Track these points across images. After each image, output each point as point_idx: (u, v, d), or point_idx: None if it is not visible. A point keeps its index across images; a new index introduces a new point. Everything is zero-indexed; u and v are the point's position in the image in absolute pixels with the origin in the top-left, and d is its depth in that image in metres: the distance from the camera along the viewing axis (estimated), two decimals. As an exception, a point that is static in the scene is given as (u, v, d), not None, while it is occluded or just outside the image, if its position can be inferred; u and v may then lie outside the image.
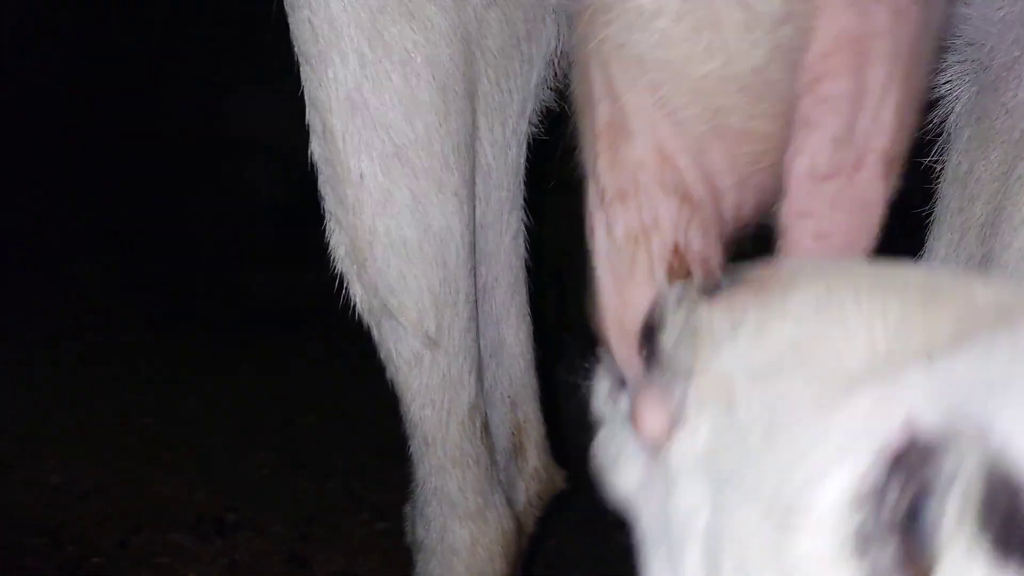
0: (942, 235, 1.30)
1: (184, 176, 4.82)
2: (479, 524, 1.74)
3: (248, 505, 3.12)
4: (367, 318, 1.61)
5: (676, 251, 1.03)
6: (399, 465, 1.86)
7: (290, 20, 1.43)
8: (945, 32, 1.23)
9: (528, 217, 1.82)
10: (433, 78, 1.41)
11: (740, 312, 0.81)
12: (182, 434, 3.45)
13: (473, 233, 1.61)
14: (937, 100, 1.34)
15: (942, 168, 1.34)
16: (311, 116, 1.48)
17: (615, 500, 0.94)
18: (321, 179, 1.52)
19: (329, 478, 3.34)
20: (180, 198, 4.81)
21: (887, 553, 0.64)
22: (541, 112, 1.74)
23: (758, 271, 0.85)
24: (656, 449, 0.84)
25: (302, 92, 1.49)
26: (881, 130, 1.06)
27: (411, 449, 1.74)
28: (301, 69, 1.44)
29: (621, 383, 0.98)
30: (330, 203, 1.52)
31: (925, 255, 1.34)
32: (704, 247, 1.05)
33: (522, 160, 1.73)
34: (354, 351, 1.77)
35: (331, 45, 1.37)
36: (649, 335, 0.90)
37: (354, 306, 1.62)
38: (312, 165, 1.52)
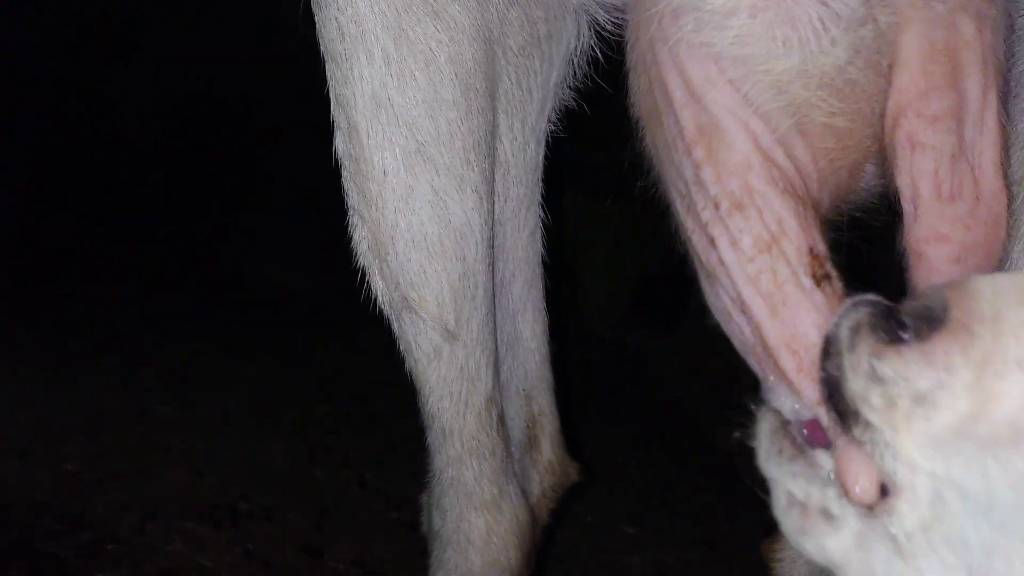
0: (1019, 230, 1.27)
1: (205, 169, 4.85)
2: (494, 514, 1.76)
3: (262, 494, 3.16)
4: (387, 311, 1.64)
5: (812, 254, 1.03)
6: (413, 456, 1.89)
7: (317, 19, 1.45)
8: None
9: (546, 214, 1.84)
10: (456, 76, 1.44)
11: (946, 364, 0.75)
12: (198, 424, 3.49)
13: (492, 229, 1.63)
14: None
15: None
16: (336, 113, 1.50)
17: (814, 560, 0.90)
18: (345, 175, 1.54)
19: (344, 469, 3.38)
20: (200, 191, 4.84)
21: None
22: (560, 111, 1.76)
23: (952, 303, 0.77)
24: (870, 511, 0.82)
25: (326, 88, 1.52)
26: (988, 139, 1.07)
27: (428, 440, 1.77)
28: (326, 67, 1.47)
29: (815, 433, 0.94)
30: (353, 198, 1.54)
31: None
32: (826, 246, 1.06)
33: (540, 157, 1.75)
34: (372, 344, 1.80)
35: (357, 43, 1.40)
36: (833, 384, 0.85)
37: (373, 299, 1.65)
38: (336, 160, 1.54)
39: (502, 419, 1.77)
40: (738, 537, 3.02)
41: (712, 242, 1.07)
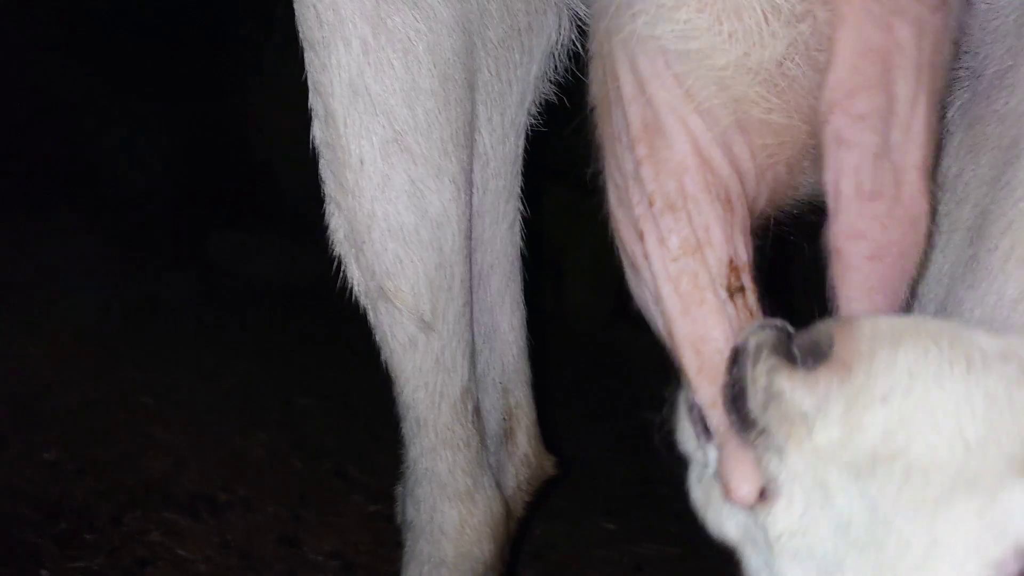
0: (931, 236, 1.32)
1: (190, 158, 4.84)
2: (468, 505, 1.77)
3: (242, 485, 3.15)
4: (363, 301, 1.64)
5: (731, 265, 1.06)
6: (394, 450, 1.89)
7: (295, 6, 1.46)
8: (960, 42, 1.25)
9: (525, 207, 1.84)
10: (434, 66, 1.44)
11: (824, 394, 0.82)
12: (178, 414, 3.47)
13: (470, 220, 1.64)
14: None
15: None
16: (314, 101, 1.50)
17: (715, 535, 0.97)
18: (322, 163, 1.55)
19: (323, 460, 3.38)
20: (185, 181, 4.84)
21: None
22: (540, 104, 1.76)
23: (837, 340, 0.84)
24: (752, 509, 0.87)
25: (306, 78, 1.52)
26: (915, 143, 1.09)
27: (403, 430, 1.77)
28: (305, 55, 1.47)
29: (705, 427, 0.99)
30: (330, 187, 1.55)
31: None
32: (748, 256, 1.08)
33: (520, 150, 1.75)
34: (354, 336, 1.80)
35: (335, 31, 1.40)
36: (737, 391, 0.90)
37: (351, 290, 1.65)
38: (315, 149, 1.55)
39: (477, 411, 1.77)
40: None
41: (641, 236, 1.10)
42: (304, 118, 1.57)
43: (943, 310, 1.21)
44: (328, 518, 3.09)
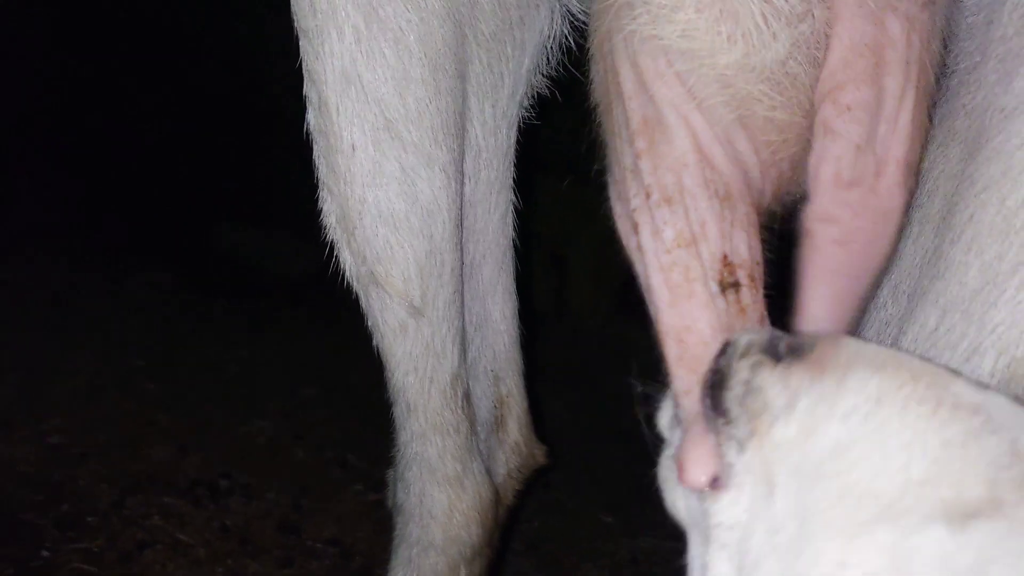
0: (903, 228, 1.35)
1: (196, 149, 4.87)
2: (457, 490, 1.80)
3: (243, 473, 3.19)
4: (356, 286, 1.67)
5: (725, 261, 1.08)
6: (393, 440, 1.91)
7: (290, -5, 1.49)
8: (949, 39, 1.27)
9: (518, 198, 1.87)
10: (425, 56, 1.47)
11: (795, 391, 0.83)
12: (181, 401, 3.51)
13: (460, 209, 1.66)
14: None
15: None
16: (308, 88, 1.53)
17: (669, 511, 0.99)
18: (316, 150, 1.58)
19: (325, 449, 3.41)
20: (191, 171, 4.87)
21: None
22: (533, 97, 1.79)
23: (820, 344, 0.86)
24: (702, 494, 0.89)
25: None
26: (900, 137, 1.12)
27: (394, 415, 1.80)
28: (300, 43, 1.50)
29: (675, 416, 1.01)
30: (323, 173, 1.58)
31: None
32: (749, 252, 1.10)
33: (512, 142, 1.78)
34: (356, 327, 1.83)
35: (328, 20, 1.43)
36: (717, 381, 0.92)
37: (346, 277, 1.68)
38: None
39: (468, 397, 1.80)
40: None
41: (635, 228, 1.12)
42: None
43: (912, 301, 1.23)
44: (328, 506, 3.12)
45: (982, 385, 0.83)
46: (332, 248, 1.67)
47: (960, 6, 1.28)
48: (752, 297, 1.08)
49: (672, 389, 1.05)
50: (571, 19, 1.66)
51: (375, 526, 2.96)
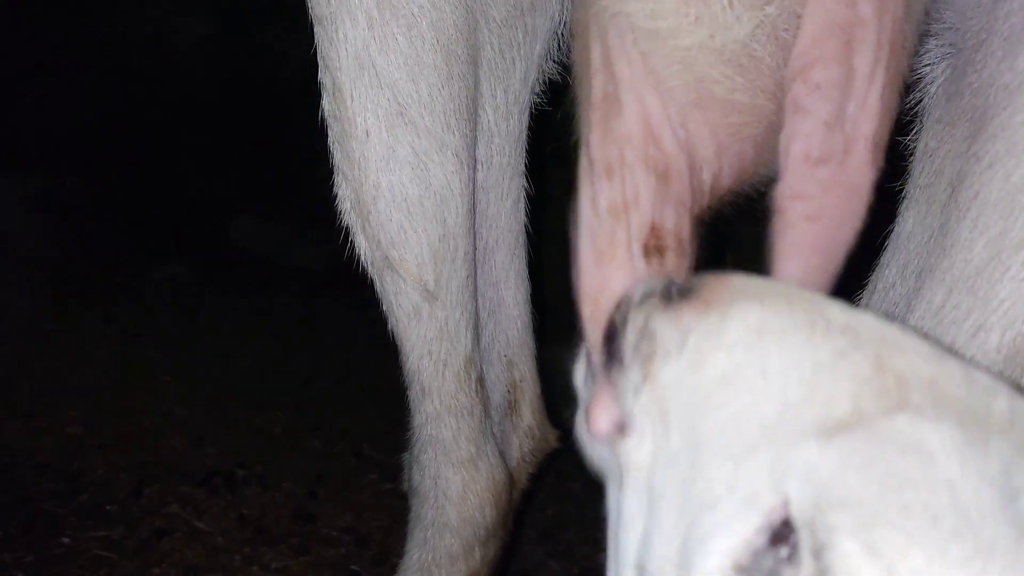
0: (910, 208, 1.36)
1: (212, 142, 4.90)
2: (471, 472, 1.81)
3: (259, 463, 3.22)
4: (370, 270, 1.69)
5: (653, 229, 1.10)
6: (408, 430, 1.93)
7: (305, -19, 1.51)
8: (927, 19, 1.29)
9: (530, 184, 1.89)
10: (437, 42, 1.49)
11: (684, 328, 0.86)
12: (198, 392, 3.55)
13: (473, 194, 1.68)
14: (915, 82, 1.41)
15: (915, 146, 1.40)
16: (322, 75, 1.55)
17: (586, 458, 1.01)
18: (330, 136, 1.60)
19: (340, 439, 3.44)
20: (207, 164, 4.90)
21: None
22: (545, 83, 1.81)
23: (706, 284, 0.89)
24: (613, 444, 0.91)
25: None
26: (868, 116, 1.13)
27: (409, 398, 1.82)
28: (314, 29, 1.52)
29: (591, 370, 1.03)
30: (338, 158, 1.59)
31: (895, 228, 1.41)
32: (677, 226, 1.13)
33: (524, 127, 1.80)
34: (371, 319, 1.85)
35: (341, 6, 1.45)
36: (613, 331, 0.94)
37: (361, 262, 1.70)
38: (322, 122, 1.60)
39: (481, 381, 1.82)
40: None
41: (577, 197, 1.14)
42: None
43: (919, 279, 1.25)
44: (343, 495, 3.15)
45: (855, 309, 0.85)
46: (346, 238, 1.69)
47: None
48: (675, 263, 1.09)
49: (585, 348, 1.06)
50: (582, 6, 1.68)
51: (390, 515, 2.99)
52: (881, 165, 1.18)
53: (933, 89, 1.37)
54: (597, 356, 0.99)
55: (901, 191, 1.42)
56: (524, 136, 1.81)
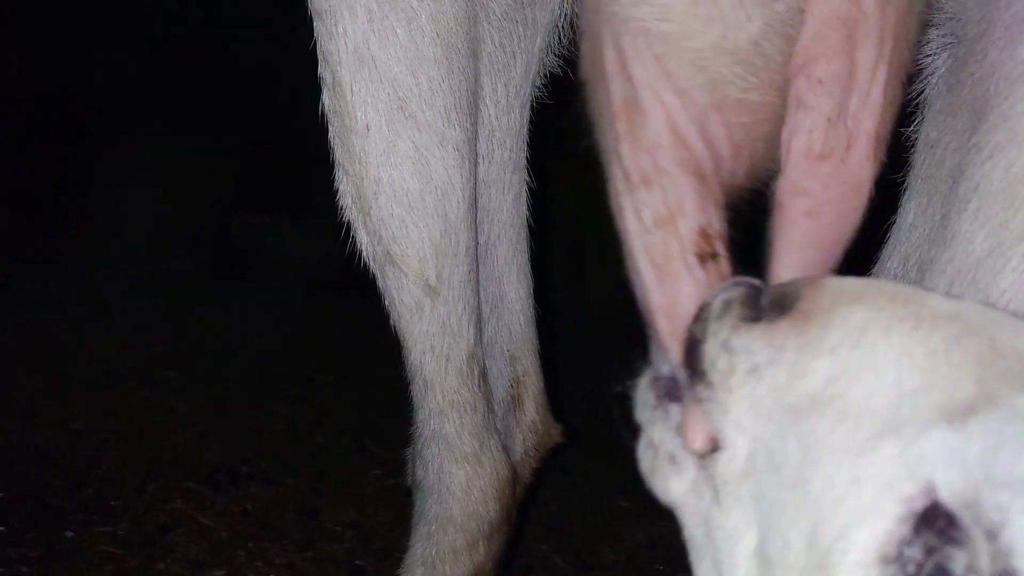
0: (912, 200, 1.36)
1: (214, 136, 4.89)
2: (474, 467, 1.81)
3: (263, 458, 3.22)
4: (372, 266, 1.69)
5: (702, 234, 1.10)
6: (411, 426, 1.93)
7: (302, -25, 1.51)
8: (929, 12, 1.29)
9: (532, 179, 1.88)
10: (437, 35, 1.48)
11: (780, 344, 0.86)
12: (202, 388, 3.55)
13: (474, 188, 1.68)
14: (916, 73, 1.40)
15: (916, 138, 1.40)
16: (322, 69, 1.55)
17: (659, 498, 1.00)
18: (331, 131, 1.59)
19: (343, 435, 3.44)
20: (210, 159, 4.89)
21: None
22: (545, 77, 1.80)
23: (803, 295, 0.88)
24: (703, 461, 0.91)
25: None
26: (870, 111, 1.13)
27: (412, 393, 1.82)
28: (314, 24, 1.52)
29: (673, 388, 1.02)
30: (338, 153, 1.59)
31: (897, 220, 1.41)
32: (721, 224, 1.12)
33: (525, 121, 1.80)
34: (374, 315, 1.85)
35: (340, 0, 1.45)
36: (692, 345, 0.95)
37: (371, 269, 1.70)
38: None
39: (484, 376, 1.82)
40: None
41: (620, 211, 1.14)
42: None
43: (920, 271, 1.25)
44: (346, 491, 3.15)
45: (954, 296, 0.86)
46: (348, 234, 1.69)
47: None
48: (729, 267, 1.10)
49: (656, 374, 1.05)
50: (582, -1, 1.67)
51: (394, 510, 2.99)
52: (883, 159, 1.18)
53: (934, 80, 1.37)
54: (681, 374, 0.99)
55: (902, 183, 1.42)
56: (525, 130, 1.81)
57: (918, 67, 1.39)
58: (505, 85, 1.70)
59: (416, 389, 1.80)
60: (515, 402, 2.00)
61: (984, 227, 1.12)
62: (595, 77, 1.20)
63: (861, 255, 1.27)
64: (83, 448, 3.13)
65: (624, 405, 1.09)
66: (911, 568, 0.74)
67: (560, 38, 1.74)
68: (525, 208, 1.88)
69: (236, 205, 4.80)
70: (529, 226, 1.93)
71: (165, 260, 4.47)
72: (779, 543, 0.82)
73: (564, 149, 1.88)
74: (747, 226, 1.21)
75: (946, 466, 0.74)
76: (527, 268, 1.95)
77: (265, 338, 3.99)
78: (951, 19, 1.35)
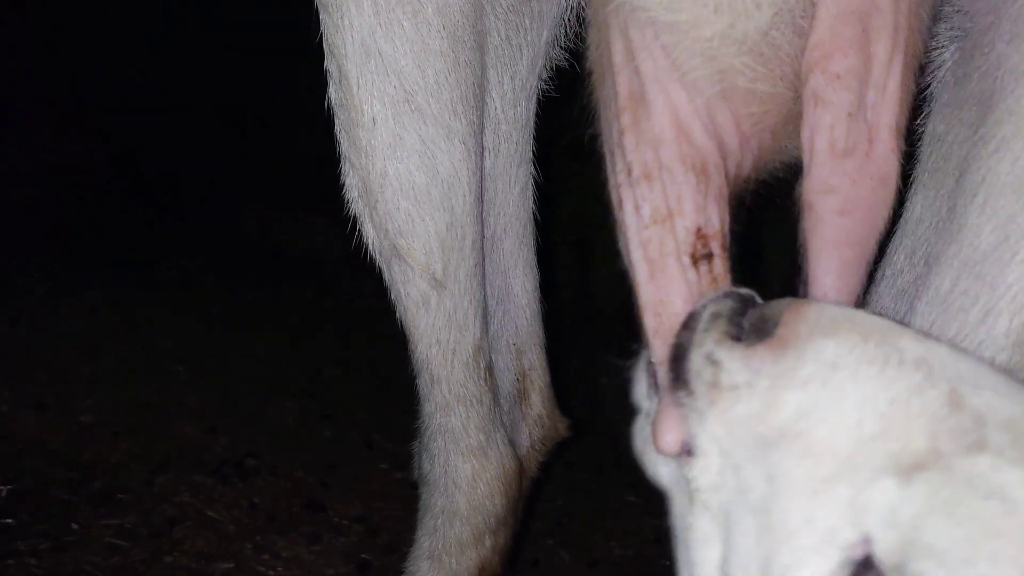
0: (918, 193, 1.36)
1: (224, 133, 4.90)
2: (481, 460, 1.81)
3: (271, 452, 3.23)
4: (378, 259, 1.69)
5: (699, 234, 1.11)
6: (419, 420, 1.93)
7: (307, -32, 1.50)
8: (940, 2, 1.28)
9: (538, 172, 1.88)
10: (443, 28, 1.48)
11: (757, 369, 0.88)
12: (210, 382, 3.56)
13: (480, 182, 1.67)
14: (923, 66, 1.40)
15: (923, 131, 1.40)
16: (328, 62, 1.55)
17: (650, 477, 1.03)
18: (337, 124, 1.59)
19: (351, 428, 3.45)
20: (220, 155, 4.90)
21: None
22: (552, 70, 1.80)
23: (782, 322, 0.90)
24: (679, 461, 0.94)
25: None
26: (889, 103, 1.13)
27: (419, 387, 1.82)
28: (320, 16, 1.51)
29: (656, 381, 1.05)
30: (345, 146, 1.59)
31: (903, 213, 1.40)
32: (721, 222, 1.12)
33: (531, 115, 1.79)
34: (382, 309, 1.85)
35: (346, -9, 1.45)
36: (679, 353, 0.96)
37: (369, 251, 1.70)
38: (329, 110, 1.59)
39: (490, 369, 1.82)
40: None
41: (620, 204, 1.15)
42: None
43: (927, 264, 1.24)
44: (354, 484, 3.15)
45: (927, 336, 0.87)
46: (355, 226, 1.69)
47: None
48: (723, 267, 1.11)
49: (649, 360, 1.07)
50: (589, -8, 1.66)
51: (401, 503, 2.99)
52: (904, 150, 1.17)
53: (941, 73, 1.36)
54: (663, 374, 1.01)
55: (909, 176, 1.41)
56: (531, 123, 1.80)
57: (925, 60, 1.39)
58: (511, 78, 1.69)
59: (422, 383, 1.80)
60: (521, 396, 2.00)
61: (991, 220, 1.12)
62: (602, 68, 1.20)
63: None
64: (91, 441, 3.14)
65: (622, 381, 1.12)
66: None
67: (566, 31, 1.73)
68: (531, 202, 1.88)
69: (244, 200, 4.80)
70: (535, 220, 1.93)
71: (175, 255, 4.48)
72: (739, 565, 0.85)
73: (570, 144, 1.87)
74: (749, 221, 1.21)
75: (884, 522, 0.76)
76: (533, 262, 1.94)
77: (273, 332, 4.00)
78: (959, 12, 1.34)
